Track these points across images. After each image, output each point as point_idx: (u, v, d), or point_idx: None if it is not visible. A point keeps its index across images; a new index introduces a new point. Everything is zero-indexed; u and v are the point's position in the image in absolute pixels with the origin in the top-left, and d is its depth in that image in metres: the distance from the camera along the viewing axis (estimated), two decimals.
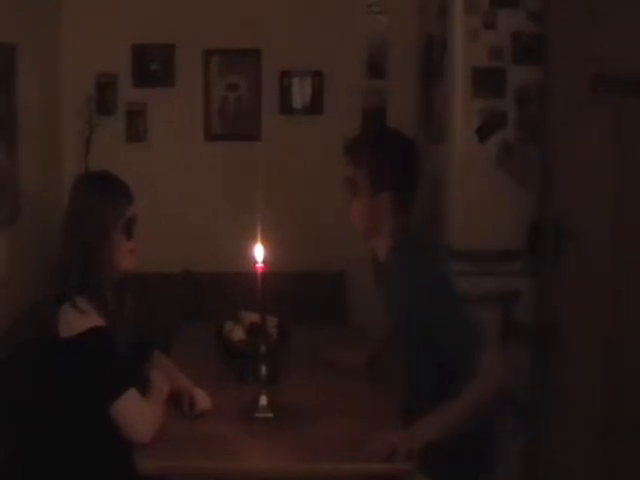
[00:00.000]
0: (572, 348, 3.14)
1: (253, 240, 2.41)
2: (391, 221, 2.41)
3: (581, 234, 3.09)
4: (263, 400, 2.33)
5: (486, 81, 3.36)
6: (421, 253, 2.42)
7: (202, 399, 2.37)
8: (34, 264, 3.43)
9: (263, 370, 2.35)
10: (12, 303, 3.12)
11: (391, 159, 2.38)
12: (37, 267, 3.42)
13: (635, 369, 3.02)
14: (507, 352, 2.32)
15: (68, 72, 4.06)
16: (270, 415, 2.32)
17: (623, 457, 2.95)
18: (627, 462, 2.94)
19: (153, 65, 4.10)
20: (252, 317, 2.65)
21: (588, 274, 3.13)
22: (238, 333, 2.83)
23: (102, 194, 2.27)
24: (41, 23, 3.80)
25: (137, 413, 2.17)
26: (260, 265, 2.32)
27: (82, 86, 4.03)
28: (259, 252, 2.34)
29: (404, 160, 2.39)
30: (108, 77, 4.08)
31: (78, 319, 2.15)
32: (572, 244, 3.11)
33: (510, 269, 3.38)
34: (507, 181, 3.39)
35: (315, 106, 4.14)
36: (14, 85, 3.26)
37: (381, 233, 2.43)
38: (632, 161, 3.01)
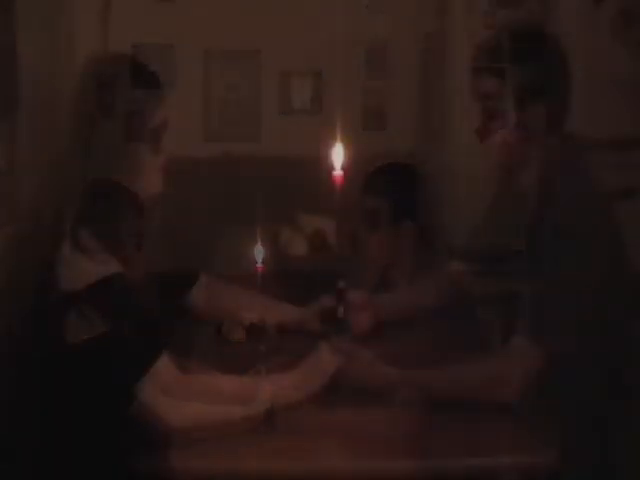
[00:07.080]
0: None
1: (253, 240, 2.41)
2: (412, 253, 2.47)
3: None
4: None
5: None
6: None
7: None
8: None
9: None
10: (11, 303, 3.11)
11: (414, 187, 2.49)
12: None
13: None
14: None
15: (67, 72, 4.05)
16: None
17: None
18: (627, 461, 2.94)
19: (153, 65, 4.08)
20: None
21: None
22: (237, 333, 2.83)
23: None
24: (40, 23, 3.78)
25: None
26: (260, 265, 2.32)
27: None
28: (259, 252, 2.34)
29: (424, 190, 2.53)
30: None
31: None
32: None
33: (510, 269, 3.37)
34: None
35: (315, 106, 4.14)
36: None
37: (401, 265, 2.45)
38: None
